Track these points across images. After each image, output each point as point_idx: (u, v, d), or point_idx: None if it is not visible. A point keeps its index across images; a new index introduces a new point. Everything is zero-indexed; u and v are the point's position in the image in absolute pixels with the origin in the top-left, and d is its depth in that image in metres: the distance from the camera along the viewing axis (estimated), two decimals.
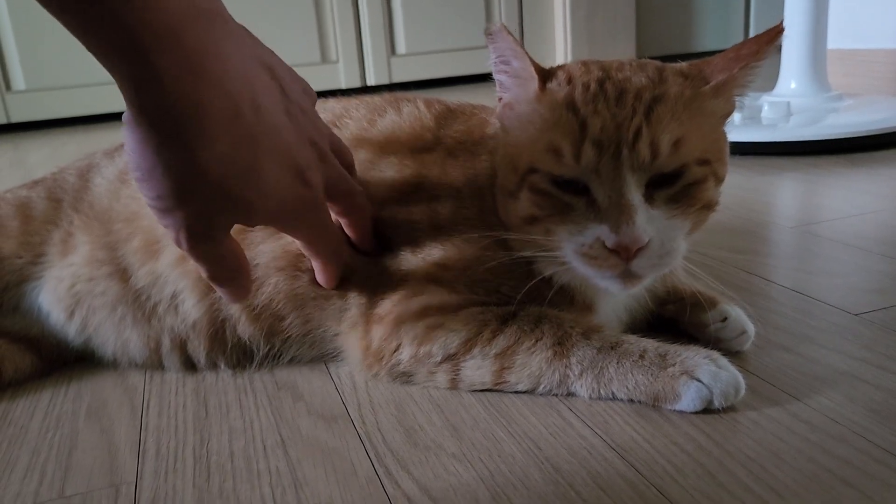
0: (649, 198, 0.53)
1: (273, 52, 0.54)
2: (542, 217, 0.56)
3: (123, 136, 0.47)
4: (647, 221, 0.52)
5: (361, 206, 0.62)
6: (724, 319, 0.64)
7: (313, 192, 0.54)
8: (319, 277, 0.63)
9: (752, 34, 3.60)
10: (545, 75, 0.57)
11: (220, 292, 0.56)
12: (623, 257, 0.52)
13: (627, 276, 0.54)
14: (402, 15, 2.90)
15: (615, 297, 0.63)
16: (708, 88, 0.55)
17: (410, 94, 0.74)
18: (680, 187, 0.54)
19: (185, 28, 0.44)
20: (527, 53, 0.57)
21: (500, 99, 0.61)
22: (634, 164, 0.52)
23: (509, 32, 0.56)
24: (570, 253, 0.54)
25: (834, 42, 1.79)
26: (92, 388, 0.67)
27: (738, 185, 1.18)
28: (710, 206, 0.57)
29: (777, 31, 0.56)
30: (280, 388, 0.64)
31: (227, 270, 0.53)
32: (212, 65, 0.45)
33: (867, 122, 1.41)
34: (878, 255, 0.85)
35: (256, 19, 2.78)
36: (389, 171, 0.65)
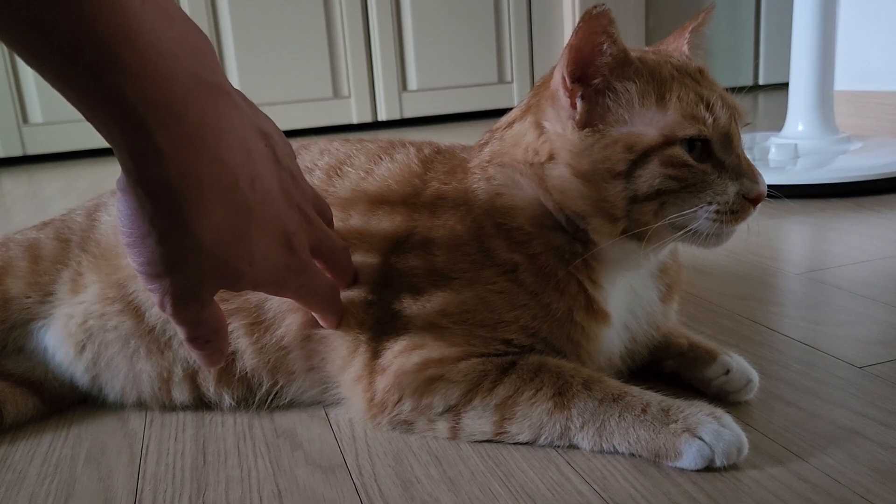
0: None
1: (267, 117, 0.56)
2: (673, 189, 0.57)
3: (116, 201, 0.47)
4: None
5: (343, 262, 0.63)
6: (727, 372, 0.63)
7: (299, 256, 0.55)
8: (321, 322, 0.64)
9: (761, 75, 3.64)
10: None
11: (195, 356, 0.56)
12: (756, 204, 0.59)
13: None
14: (414, 51, 2.93)
15: (630, 300, 0.66)
16: None
17: (407, 139, 0.75)
18: None
19: (188, 103, 0.44)
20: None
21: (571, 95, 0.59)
22: (739, 125, 0.60)
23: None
24: (707, 215, 0.58)
25: (842, 83, 1.79)
26: (92, 431, 0.67)
27: (744, 229, 1.17)
28: None
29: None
30: (279, 436, 0.64)
31: (207, 332, 0.54)
32: (212, 139, 0.46)
33: (876, 166, 1.40)
34: (884, 304, 0.84)
35: (270, 55, 2.85)
36: (383, 221, 0.66)
